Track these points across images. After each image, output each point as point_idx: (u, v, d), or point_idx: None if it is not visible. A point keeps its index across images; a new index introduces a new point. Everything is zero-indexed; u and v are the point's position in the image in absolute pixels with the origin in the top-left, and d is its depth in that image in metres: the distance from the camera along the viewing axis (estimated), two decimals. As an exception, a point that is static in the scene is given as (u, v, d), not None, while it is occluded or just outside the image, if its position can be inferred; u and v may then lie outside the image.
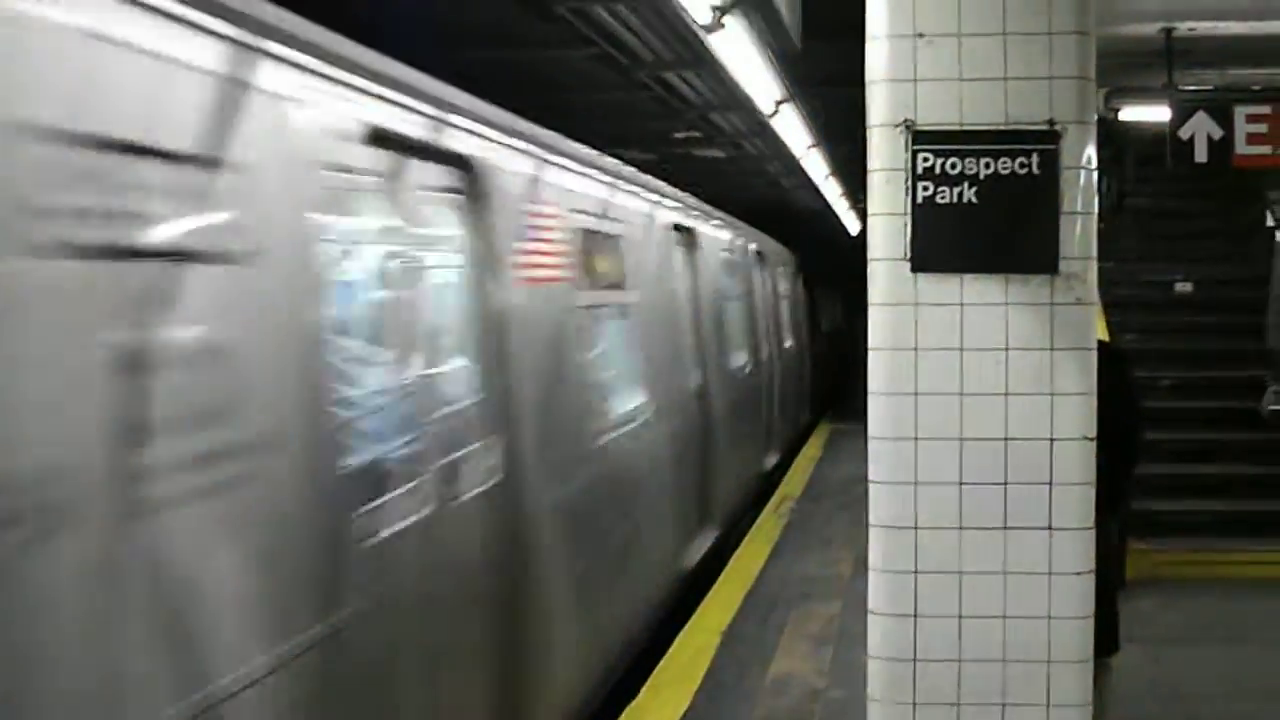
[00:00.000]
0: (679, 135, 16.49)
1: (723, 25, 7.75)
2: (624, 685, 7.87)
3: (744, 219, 16.02)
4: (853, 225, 27.66)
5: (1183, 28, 10.42)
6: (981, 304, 4.79)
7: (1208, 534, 10.58)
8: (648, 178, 10.72)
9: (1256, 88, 11.74)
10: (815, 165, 16.91)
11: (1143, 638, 7.38)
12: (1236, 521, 10.74)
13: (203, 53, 3.60)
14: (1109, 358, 5.20)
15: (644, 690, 7.62)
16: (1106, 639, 5.44)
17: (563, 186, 7.53)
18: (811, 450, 19.26)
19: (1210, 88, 12.09)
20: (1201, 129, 10.46)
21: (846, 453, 17.78)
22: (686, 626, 9.08)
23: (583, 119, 11.42)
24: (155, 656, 3.18)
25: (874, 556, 4.95)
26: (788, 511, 13.88)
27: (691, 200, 12.66)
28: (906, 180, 4.82)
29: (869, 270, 4.90)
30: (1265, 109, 10.36)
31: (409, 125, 5.11)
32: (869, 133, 4.92)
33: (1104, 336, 5.11)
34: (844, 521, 12.76)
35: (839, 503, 13.98)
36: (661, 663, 8.18)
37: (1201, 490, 11.07)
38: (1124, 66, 10.88)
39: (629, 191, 9.68)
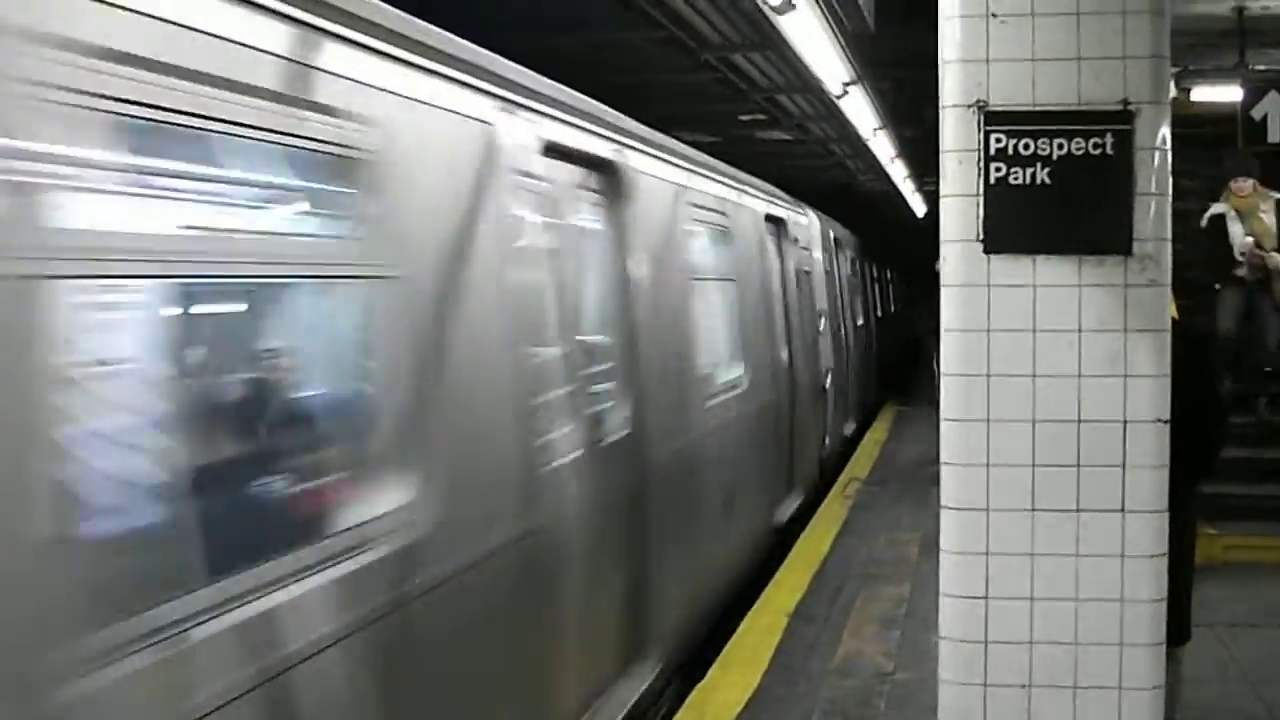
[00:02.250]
0: (744, 118, 16.47)
1: (793, 6, 7.74)
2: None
3: (806, 201, 16.07)
4: (919, 207, 27.55)
5: (1255, 7, 10.29)
6: (1054, 285, 4.78)
7: (1277, 519, 10.46)
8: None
9: (1329, 68, 11.59)
10: (882, 147, 16.84)
11: (1211, 622, 7.33)
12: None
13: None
14: (1192, 342, 5.15)
15: (713, 669, 7.66)
16: (1176, 628, 5.39)
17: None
18: (877, 433, 19.20)
19: (1282, 68, 11.94)
20: (1275, 108, 10.35)
21: (912, 435, 17.73)
22: (755, 606, 9.10)
23: (646, 101, 11.46)
24: None
25: (945, 538, 4.94)
26: (854, 493, 13.86)
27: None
28: (979, 161, 4.80)
29: (941, 251, 4.89)
30: (1339, 88, 10.24)
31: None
32: (941, 113, 4.90)
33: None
34: (910, 503, 12.75)
35: (905, 485, 13.96)
36: (730, 643, 8.21)
37: (1272, 475, 10.92)
38: (1195, 46, 10.77)
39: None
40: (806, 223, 15.04)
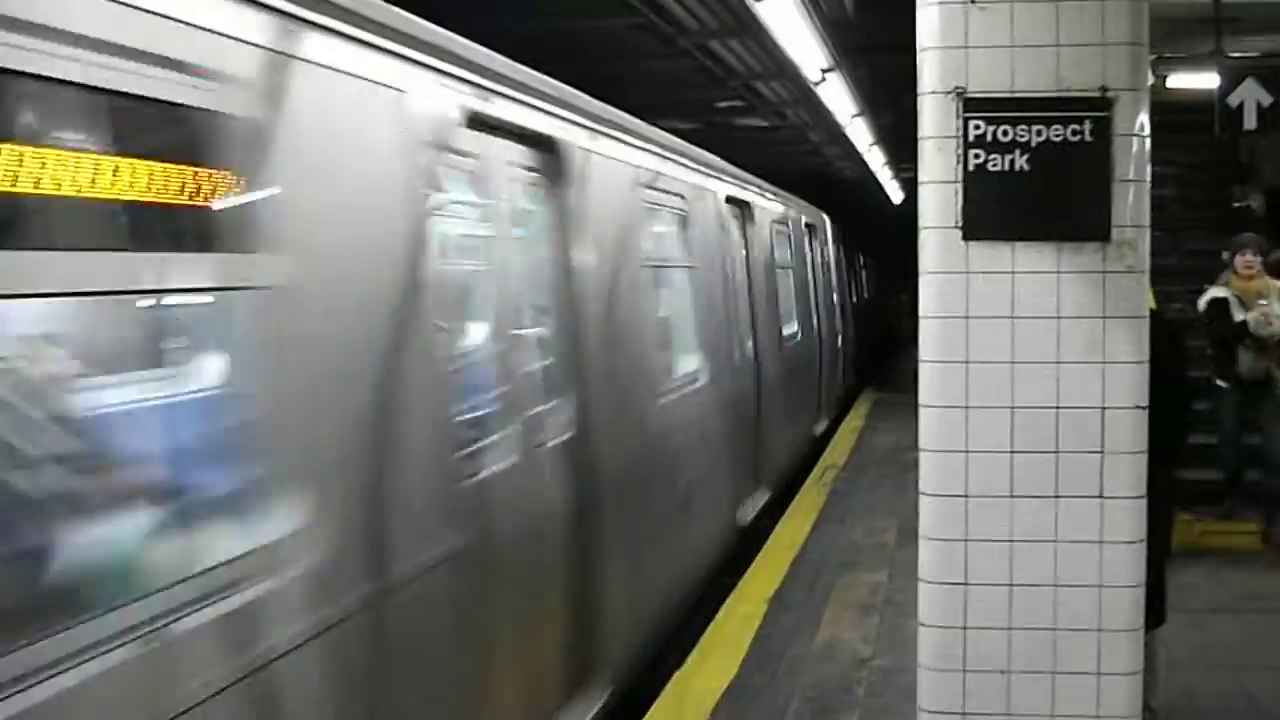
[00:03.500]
0: (721, 104, 16.46)
1: (772, -8, 7.74)
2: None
3: (784, 188, 15.99)
4: (896, 194, 27.56)
5: (1232, -6, 10.31)
6: (1033, 272, 4.78)
7: (1254, 504, 10.47)
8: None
9: (1307, 55, 11.59)
10: (859, 134, 16.86)
11: (1188, 607, 7.34)
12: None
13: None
14: (1160, 327, 5.15)
15: (691, 657, 7.66)
16: (1152, 613, 5.40)
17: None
18: (854, 420, 19.22)
19: (1258, 54, 11.94)
20: (1251, 96, 10.32)
21: (889, 422, 17.75)
22: (733, 594, 9.11)
23: (623, 88, 11.42)
24: None
25: (924, 524, 4.95)
26: (831, 480, 13.87)
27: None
28: (958, 148, 4.80)
29: (920, 238, 4.89)
30: (1317, 75, 10.21)
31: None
32: (920, 100, 4.89)
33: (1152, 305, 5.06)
34: (888, 491, 12.76)
35: (883, 472, 13.97)
36: (709, 630, 8.22)
37: (1251, 461, 10.89)
38: (1172, 34, 10.78)
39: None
40: (778, 208, 14.29)
